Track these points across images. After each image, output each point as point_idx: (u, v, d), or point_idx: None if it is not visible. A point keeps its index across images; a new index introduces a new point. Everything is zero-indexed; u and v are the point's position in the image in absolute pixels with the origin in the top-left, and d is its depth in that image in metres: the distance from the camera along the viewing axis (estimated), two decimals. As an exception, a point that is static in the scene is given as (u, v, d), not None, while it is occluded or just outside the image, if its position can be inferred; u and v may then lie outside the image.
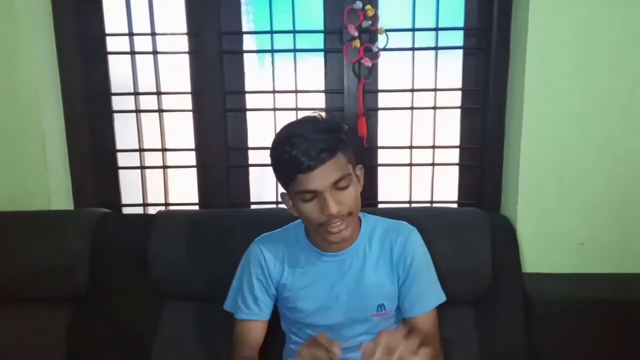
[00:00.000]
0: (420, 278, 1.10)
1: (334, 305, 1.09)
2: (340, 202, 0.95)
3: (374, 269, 1.09)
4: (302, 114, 1.62)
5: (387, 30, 1.55)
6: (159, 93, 1.67)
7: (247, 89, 1.68)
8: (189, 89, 1.67)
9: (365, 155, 1.64)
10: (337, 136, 0.96)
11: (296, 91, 1.65)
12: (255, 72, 1.73)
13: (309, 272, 1.10)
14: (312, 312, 1.10)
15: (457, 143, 1.68)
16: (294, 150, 0.91)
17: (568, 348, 1.30)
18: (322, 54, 1.65)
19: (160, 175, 1.73)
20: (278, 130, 1.01)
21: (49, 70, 1.58)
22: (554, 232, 1.44)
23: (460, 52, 1.63)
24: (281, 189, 1.03)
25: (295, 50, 1.62)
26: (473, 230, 1.34)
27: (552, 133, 1.40)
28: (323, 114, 1.02)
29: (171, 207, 1.73)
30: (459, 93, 1.65)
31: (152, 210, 1.66)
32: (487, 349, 1.30)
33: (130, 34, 1.64)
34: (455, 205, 1.71)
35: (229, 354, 1.18)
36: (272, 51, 1.63)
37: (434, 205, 1.70)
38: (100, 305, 1.37)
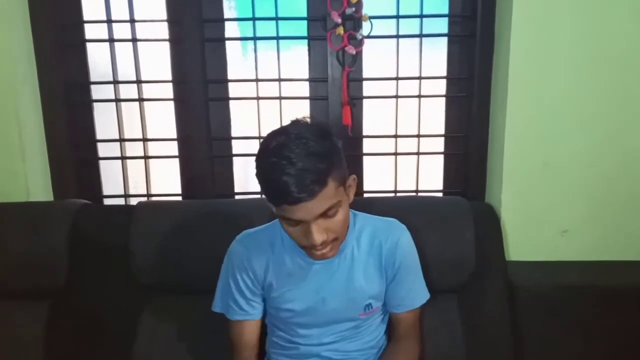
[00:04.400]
0: (407, 278, 1.10)
1: (320, 307, 1.07)
2: (326, 229, 0.92)
3: (362, 270, 1.07)
4: (285, 103, 1.62)
5: (371, 18, 1.53)
6: (139, 82, 1.64)
7: (229, 77, 1.65)
8: (170, 78, 1.64)
9: (350, 144, 1.62)
10: (330, 161, 0.87)
11: (279, 79, 1.62)
12: (238, 60, 1.71)
13: (295, 274, 1.07)
14: (299, 313, 1.08)
15: (442, 132, 1.67)
16: (283, 177, 0.83)
17: (552, 335, 1.31)
18: (305, 42, 1.62)
19: (142, 166, 1.70)
20: (267, 125, 0.93)
21: (25, 59, 1.53)
22: (538, 220, 1.45)
23: (444, 39, 1.61)
24: None
25: (278, 38, 1.60)
26: (457, 219, 1.33)
27: (536, 121, 1.40)
28: (313, 122, 0.93)
29: (153, 198, 1.71)
30: (444, 81, 1.64)
31: (134, 202, 1.63)
32: (471, 337, 1.30)
33: (109, 21, 1.60)
34: (440, 194, 1.70)
35: (211, 346, 1.17)
36: (255, 39, 1.60)
37: (419, 194, 1.70)
38: (80, 299, 1.34)
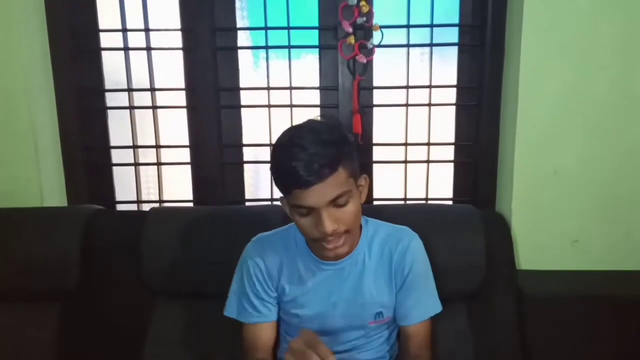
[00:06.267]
0: (417, 287, 1.07)
1: (331, 312, 1.07)
2: (337, 219, 0.91)
3: (373, 277, 1.07)
4: (296, 111, 1.64)
5: (381, 27, 1.54)
6: (152, 89, 1.67)
7: (241, 85, 1.67)
8: (182, 86, 1.66)
9: (360, 152, 1.63)
10: (341, 149, 0.90)
11: (291, 87, 1.64)
12: (250, 69, 1.73)
13: (307, 279, 1.07)
14: (309, 319, 1.08)
15: (452, 140, 1.68)
16: (293, 162, 0.85)
17: (561, 345, 1.30)
18: (316, 51, 1.64)
19: (155, 172, 1.72)
20: (277, 133, 0.95)
21: (41, 67, 1.56)
22: (548, 229, 1.44)
23: (455, 49, 1.62)
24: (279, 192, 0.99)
25: (290, 47, 1.62)
26: (467, 227, 1.33)
27: (546, 130, 1.40)
28: (326, 118, 0.97)
29: (165, 204, 1.72)
30: (454, 90, 1.65)
31: (146, 208, 1.64)
32: (480, 346, 1.29)
33: (124, 30, 1.63)
34: (450, 203, 1.70)
35: (221, 352, 1.18)
36: (267, 47, 1.62)
37: (429, 202, 1.70)
38: (92, 302, 1.36)
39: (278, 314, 1.13)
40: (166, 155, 1.73)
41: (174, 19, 1.63)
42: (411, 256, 1.07)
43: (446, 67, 1.63)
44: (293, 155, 0.86)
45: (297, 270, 1.08)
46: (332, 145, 0.88)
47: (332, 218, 0.91)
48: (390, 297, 1.08)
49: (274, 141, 0.96)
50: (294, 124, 0.96)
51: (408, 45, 1.60)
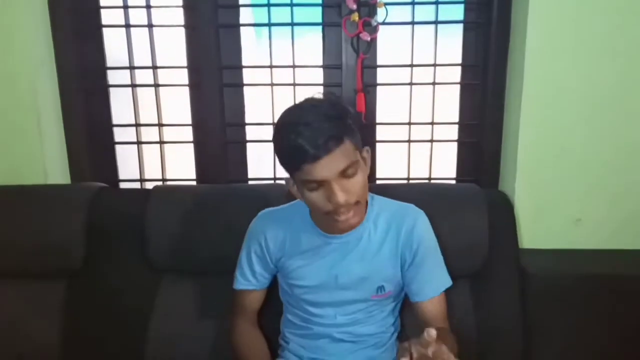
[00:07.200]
0: (427, 262, 1.09)
1: (333, 284, 1.09)
2: (347, 190, 0.93)
3: (377, 251, 1.08)
4: (299, 90, 1.63)
5: (386, 4, 1.52)
6: (154, 67, 1.65)
7: (244, 64, 1.66)
8: (185, 64, 1.65)
9: (363, 131, 1.62)
10: (344, 122, 0.92)
11: (294, 66, 1.62)
12: (253, 47, 1.71)
13: (311, 252, 1.09)
14: (311, 290, 1.10)
15: (456, 119, 1.67)
16: (299, 139, 0.87)
17: (563, 323, 1.31)
18: (320, 29, 1.62)
19: (157, 151, 1.72)
20: (280, 112, 0.97)
21: (43, 45, 1.55)
22: (552, 208, 1.44)
23: (460, 27, 1.60)
24: (282, 171, 1.00)
25: (292, 24, 1.60)
26: (470, 206, 1.33)
27: (551, 109, 1.39)
28: (326, 95, 0.99)
29: (168, 183, 1.72)
30: (459, 69, 1.63)
31: (149, 186, 1.65)
32: (483, 324, 1.31)
33: (125, 7, 1.61)
34: (453, 182, 1.70)
35: (226, 327, 1.19)
36: (270, 25, 1.60)
37: (432, 182, 1.70)
38: (97, 280, 1.37)
39: (269, 284, 1.18)
40: (169, 134, 1.72)
41: (176, -4, 1.61)
42: (419, 232, 1.09)
43: (451, 44, 1.61)
44: (299, 133, 0.87)
45: (301, 244, 1.10)
46: (335, 119, 0.90)
47: (343, 189, 0.92)
48: (394, 272, 1.10)
49: (276, 120, 0.96)
50: (296, 102, 0.97)
51: (413, 23, 1.58)
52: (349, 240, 1.08)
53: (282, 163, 0.96)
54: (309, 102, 0.95)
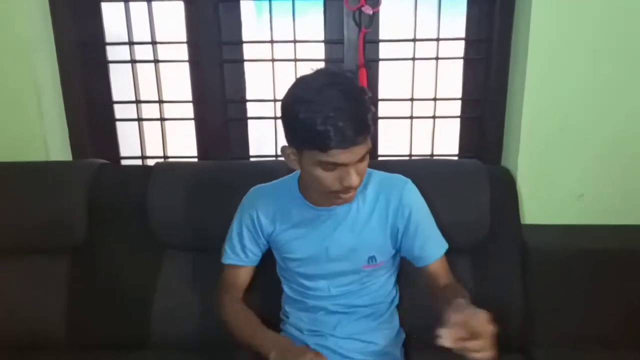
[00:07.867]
0: (422, 227, 1.10)
1: (324, 256, 1.10)
2: (360, 173, 0.95)
3: (366, 221, 1.09)
4: (301, 65, 1.61)
5: (388, -24, 1.50)
6: (154, 42, 1.63)
7: (244, 39, 1.63)
8: (184, 39, 1.63)
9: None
10: (372, 107, 0.90)
11: (295, 41, 1.60)
12: (253, 23, 1.68)
13: (301, 225, 1.10)
14: (303, 262, 1.12)
15: (459, 95, 1.65)
16: (339, 122, 0.84)
17: (564, 298, 1.32)
18: (321, 4, 1.59)
19: (158, 128, 1.71)
20: (282, 88, 0.93)
21: (41, 20, 1.53)
22: (554, 183, 1.44)
23: (464, 0, 1.57)
24: (282, 142, 0.97)
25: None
26: (472, 181, 1.33)
27: (555, 85, 1.38)
28: (341, 71, 0.95)
29: (169, 160, 1.72)
30: (462, 43, 1.61)
31: (150, 163, 1.64)
32: (484, 298, 1.30)
33: (123, -19, 1.59)
34: (455, 159, 1.69)
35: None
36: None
37: (434, 158, 1.69)
38: (99, 256, 1.38)
39: (259, 261, 1.18)
40: (170, 110, 1.71)
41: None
42: (409, 199, 1.09)
43: (455, 18, 1.59)
44: (331, 118, 0.84)
45: (291, 217, 1.10)
46: (368, 105, 0.89)
47: (357, 172, 0.93)
48: (384, 242, 1.10)
49: (278, 97, 0.94)
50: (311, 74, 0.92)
51: (416, -4, 1.55)
52: (338, 212, 1.08)
53: (296, 138, 0.92)
54: (331, 79, 0.89)
